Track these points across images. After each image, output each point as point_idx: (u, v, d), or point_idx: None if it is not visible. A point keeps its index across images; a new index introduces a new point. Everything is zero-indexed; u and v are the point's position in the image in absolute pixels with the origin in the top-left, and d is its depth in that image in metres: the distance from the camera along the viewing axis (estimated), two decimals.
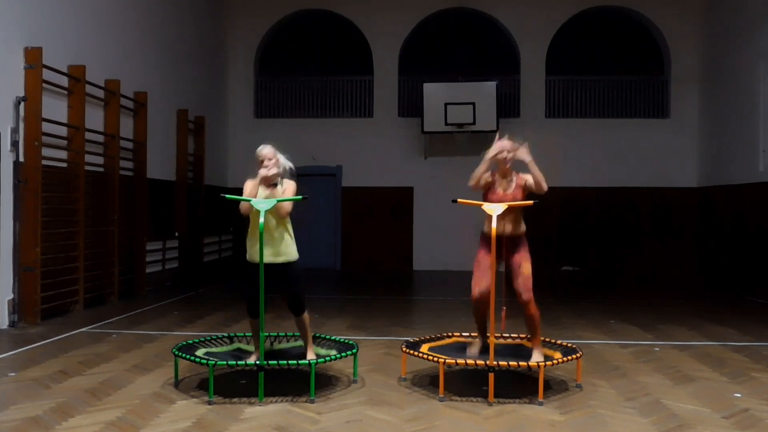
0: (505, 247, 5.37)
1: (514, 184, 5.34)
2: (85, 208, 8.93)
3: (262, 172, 5.20)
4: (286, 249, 5.28)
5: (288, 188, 5.31)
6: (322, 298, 10.69)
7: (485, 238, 5.36)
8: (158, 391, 5.21)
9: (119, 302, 9.68)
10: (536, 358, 5.36)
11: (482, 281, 5.35)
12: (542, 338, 5.87)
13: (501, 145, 5.30)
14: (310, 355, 5.41)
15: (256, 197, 5.22)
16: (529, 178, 5.32)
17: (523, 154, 5.31)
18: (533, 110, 15.00)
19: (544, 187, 5.29)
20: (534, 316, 5.35)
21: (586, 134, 14.94)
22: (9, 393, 5.15)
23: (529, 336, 5.63)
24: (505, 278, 5.43)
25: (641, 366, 6.21)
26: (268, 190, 5.25)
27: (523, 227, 5.42)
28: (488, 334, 5.45)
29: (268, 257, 5.16)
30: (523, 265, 5.33)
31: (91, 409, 4.72)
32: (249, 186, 5.26)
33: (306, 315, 5.41)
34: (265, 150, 5.28)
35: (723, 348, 7.05)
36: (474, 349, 5.63)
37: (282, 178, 5.32)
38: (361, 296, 11.29)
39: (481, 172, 5.31)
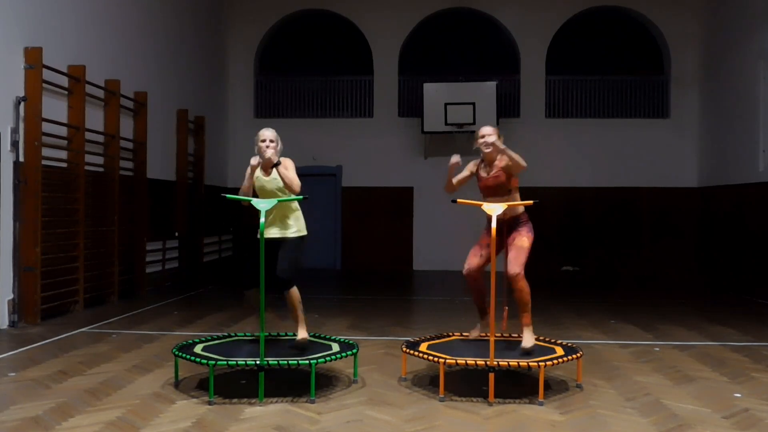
0: (506, 230, 5.50)
1: (496, 168, 5.49)
2: (85, 208, 8.93)
3: (268, 153, 5.35)
4: (289, 224, 5.48)
5: (287, 164, 5.45)
6: (322, 298, 10.69)
7: (488, 221, 5.42)
8: (158, 391, 5.20)
9: (119, 302, 9.68)
10: (527, 341, 5.39)
11: (473, 259, 5.59)
12: (542, 338, 5.88)
13: (481, 132, 5.52)
14: (302, 334, 5.47)
15: (255, 179, 5.45)
16: (506, 159, 5.41)
17: (497, 141, 5.40)
18: (533, 110, 15.00)
19: (522, 164, 5.33)
20: (522, 290, 5.33)
21: (586, 134, 14.94)
22: (9, 393, 5.15)
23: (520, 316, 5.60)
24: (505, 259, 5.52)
25: (641, 366, 6.20)
26: (266, 172, 5.46)
27: (520, 208, 5.52)
28: (486, 311, 5.67)
29: (274, 233, 5.44)
30: (518, 238, 5.44)
31: (91, 409, 4.72)
32: (249, 169, 5.43)
33: (293, 291, 5.45)
34: (268, 132, 5.52)
35: (723, 348, 7.05)
36: (474, 332, 5.81)
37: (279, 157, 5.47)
38: (361, 296, 11.28)
39: (449, 180, 5.53)
